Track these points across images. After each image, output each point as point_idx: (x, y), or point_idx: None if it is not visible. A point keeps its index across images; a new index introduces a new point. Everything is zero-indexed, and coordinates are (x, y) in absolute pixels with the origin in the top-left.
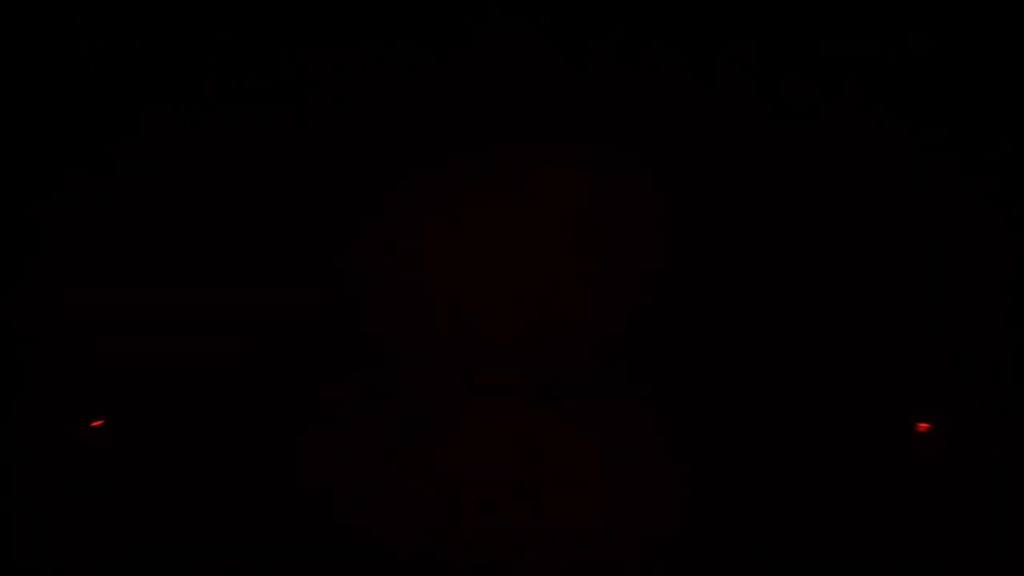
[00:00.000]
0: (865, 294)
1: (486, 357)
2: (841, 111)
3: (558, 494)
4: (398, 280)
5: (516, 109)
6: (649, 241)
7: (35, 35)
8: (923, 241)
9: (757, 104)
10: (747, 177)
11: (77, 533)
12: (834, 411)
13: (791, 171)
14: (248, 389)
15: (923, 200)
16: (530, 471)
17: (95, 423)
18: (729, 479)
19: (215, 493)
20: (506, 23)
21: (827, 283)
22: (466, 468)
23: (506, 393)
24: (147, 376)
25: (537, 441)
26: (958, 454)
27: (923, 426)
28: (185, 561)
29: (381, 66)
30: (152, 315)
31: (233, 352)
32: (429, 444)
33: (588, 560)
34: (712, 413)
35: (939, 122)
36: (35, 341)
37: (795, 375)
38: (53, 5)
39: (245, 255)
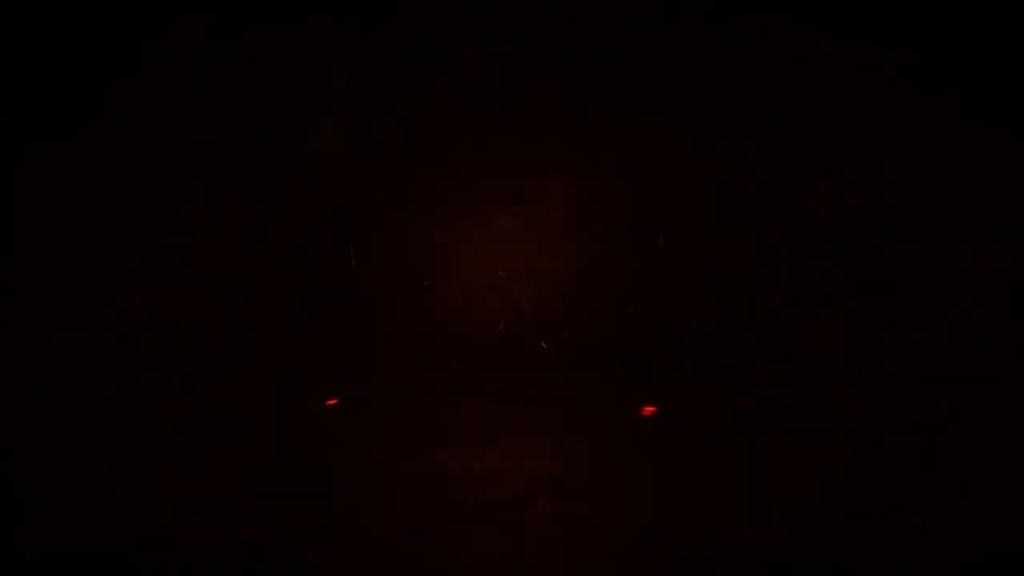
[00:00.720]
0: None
1: (478, 358)
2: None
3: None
4: (394, 283)
5: (517, 112)
6: (644, 247)
7: None
8: None
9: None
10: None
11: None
12: None
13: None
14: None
15: None
16: (525, 471)
17: (331, 401)
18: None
19: None
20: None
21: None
22: (462, 468)
23: (498, 395)
24: None
25: (527, 441)
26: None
27: (649, 410)
28: None
29: (387, 69)
30: None
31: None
32: (422, 443)
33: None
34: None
35: None
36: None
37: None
38: None
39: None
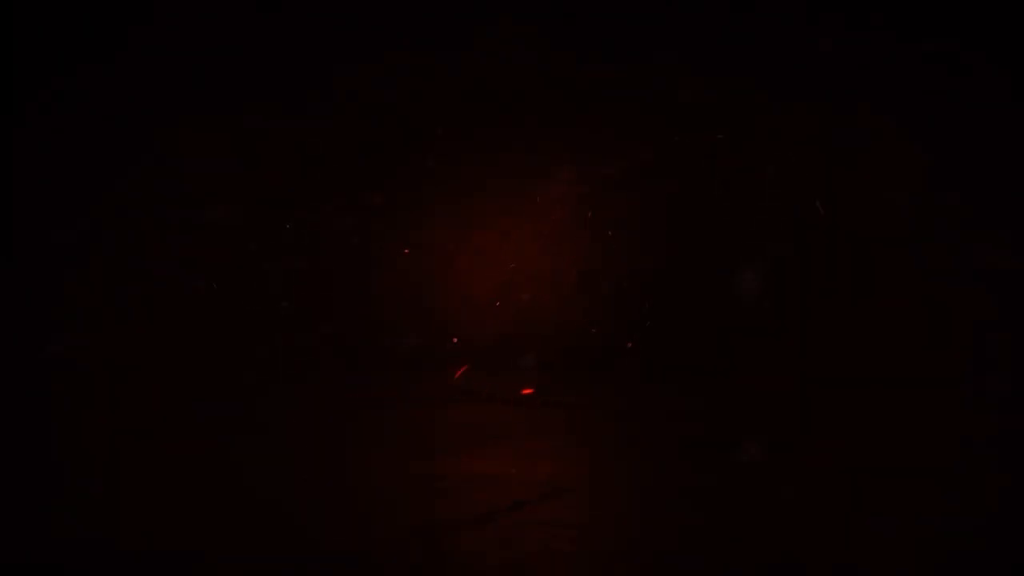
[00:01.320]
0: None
1: (471, 362)
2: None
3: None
4: (387, 286)
5: (515, 115)
6: (636, 251)
7: None
8: None
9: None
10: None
11: None
12: None
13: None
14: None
15: None
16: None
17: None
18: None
19: None
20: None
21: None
22: (461, 470)
23: (490, 398)
24: None
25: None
26: None
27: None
28: None
29: (384, 70)
30: None
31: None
32: (422, 445)
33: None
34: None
35: None
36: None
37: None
38: None
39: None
